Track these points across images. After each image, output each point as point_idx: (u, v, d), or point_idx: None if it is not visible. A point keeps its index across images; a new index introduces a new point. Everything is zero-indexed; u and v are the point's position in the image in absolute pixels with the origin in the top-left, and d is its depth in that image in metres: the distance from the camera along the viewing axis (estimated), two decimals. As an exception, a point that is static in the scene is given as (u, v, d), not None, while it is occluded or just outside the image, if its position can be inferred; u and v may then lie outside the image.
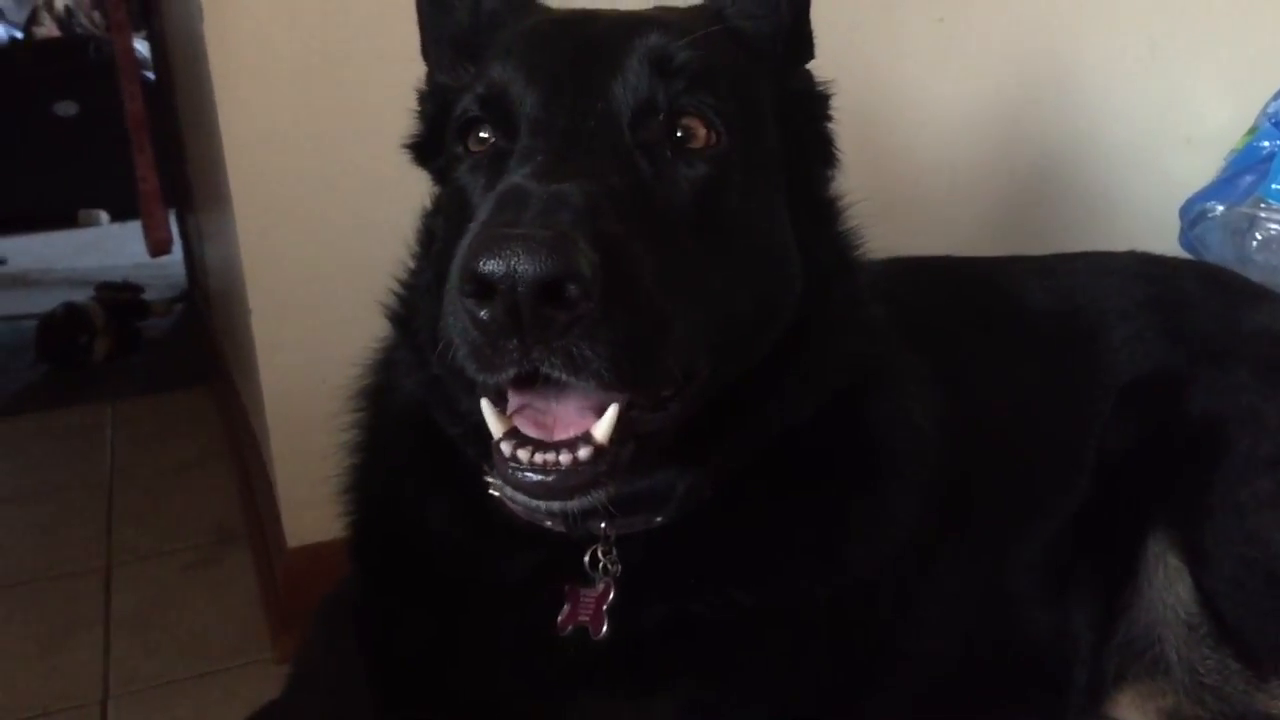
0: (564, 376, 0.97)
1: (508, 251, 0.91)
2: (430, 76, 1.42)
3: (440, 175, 1.36)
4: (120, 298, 4.62)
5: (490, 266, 0.91)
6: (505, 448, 1.04)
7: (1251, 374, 1.62)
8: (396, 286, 1.42)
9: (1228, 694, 1.55)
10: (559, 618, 1.22)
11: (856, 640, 1.32)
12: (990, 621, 1.59)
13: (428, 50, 1.42)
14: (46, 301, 4.56)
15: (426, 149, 1.40)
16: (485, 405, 1.08)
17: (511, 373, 0.98)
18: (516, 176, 1.04)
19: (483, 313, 0.94)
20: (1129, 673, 1.64)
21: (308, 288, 2.08)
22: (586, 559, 1.23)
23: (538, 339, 0.94)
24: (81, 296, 4.55)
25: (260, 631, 2.24)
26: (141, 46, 5.26)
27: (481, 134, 1.20)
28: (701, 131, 1.16)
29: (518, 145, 1.13)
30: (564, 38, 1.22)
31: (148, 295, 4.80)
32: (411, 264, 1.42)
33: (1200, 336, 1.70)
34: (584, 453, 1.02)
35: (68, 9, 8.25)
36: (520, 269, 0.90)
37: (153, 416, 3.64)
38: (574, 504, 1.04)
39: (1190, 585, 1.56)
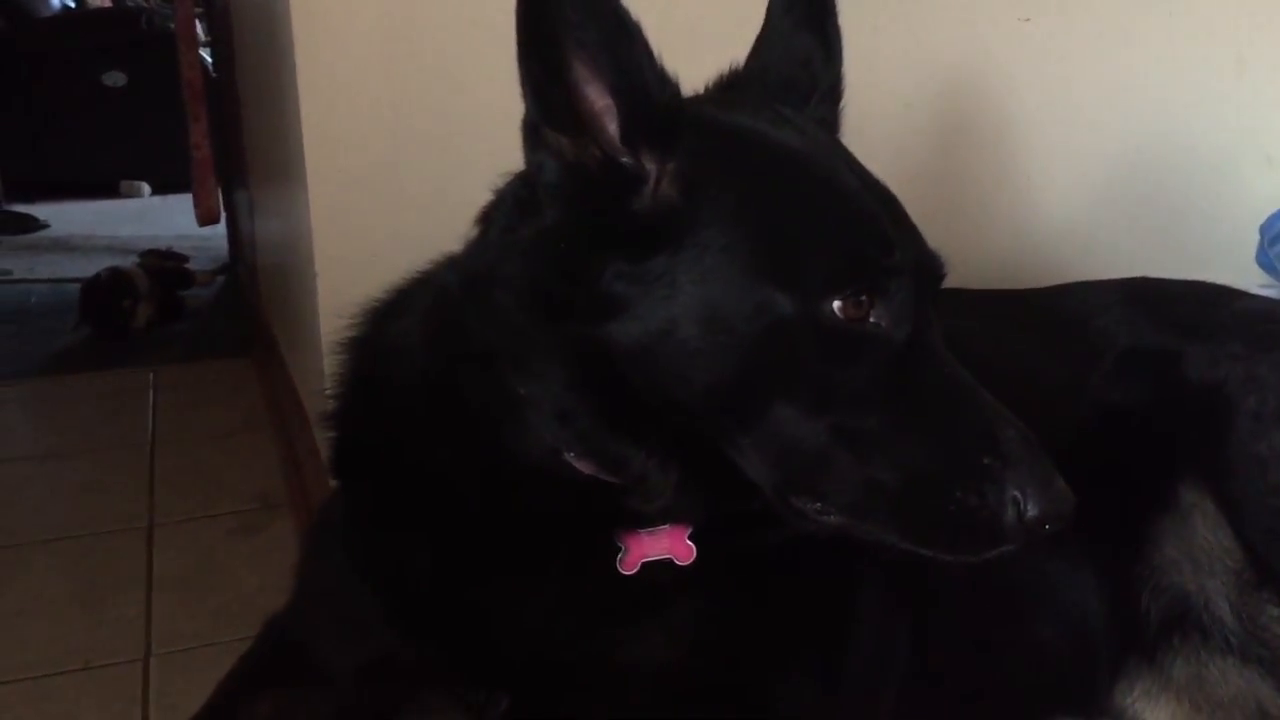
0: None
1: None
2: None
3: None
4: (165, 265, 4.62)
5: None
6: None
7: (1243, 344, 1.66)
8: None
9: (1270, 640, 1.56)
10: (619, 559, 1.25)
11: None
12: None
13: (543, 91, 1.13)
14: (88, 267, 4.57)
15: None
16: None
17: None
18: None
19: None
20: (1166, 642, 1.62)
21: (376, 257, 2.01)
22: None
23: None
24: (125, 263, 4.55)
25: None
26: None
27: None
28: None
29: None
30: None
31: (191, 265, 4.81)
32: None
33: (1185, 322, 1.75)
34: None
35: (121, -20, 8.29)
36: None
37: (194, 383, 3.64)
38: None
39: (1231, 533, 1.58)
